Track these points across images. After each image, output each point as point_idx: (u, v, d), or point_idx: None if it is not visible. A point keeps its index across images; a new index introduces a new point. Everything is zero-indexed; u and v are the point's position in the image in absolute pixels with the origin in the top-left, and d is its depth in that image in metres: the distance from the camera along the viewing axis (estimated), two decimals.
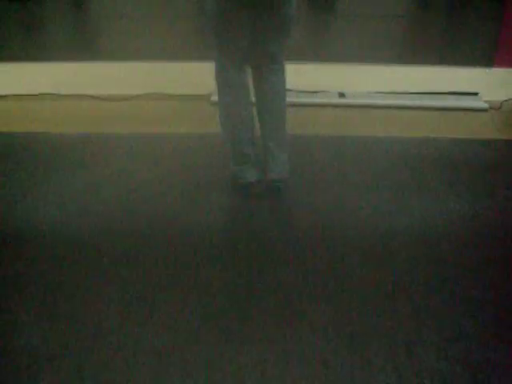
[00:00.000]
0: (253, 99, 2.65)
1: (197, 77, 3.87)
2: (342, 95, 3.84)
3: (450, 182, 2.87)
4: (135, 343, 1.91)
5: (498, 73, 3.84)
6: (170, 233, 2.49)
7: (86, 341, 1.92)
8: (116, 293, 2.14)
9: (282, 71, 2.63)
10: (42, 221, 2.57)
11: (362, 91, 3.89)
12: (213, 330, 1.97)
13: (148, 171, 2.96)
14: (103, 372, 1.81)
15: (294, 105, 3.47)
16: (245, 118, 2.60)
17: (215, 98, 3.73)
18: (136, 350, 1.88)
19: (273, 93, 2.61)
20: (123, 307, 2.07)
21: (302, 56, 3.79)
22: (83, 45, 4.98)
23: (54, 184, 2.84)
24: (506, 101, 3.82)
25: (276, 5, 2.33)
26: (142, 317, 2.02)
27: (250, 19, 2.37)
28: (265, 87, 2.61)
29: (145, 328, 1.97)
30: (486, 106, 3.74)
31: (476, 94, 3.85)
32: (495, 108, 3.75)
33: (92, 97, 3.85)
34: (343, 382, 1.78)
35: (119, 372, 1.81)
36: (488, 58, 3.88)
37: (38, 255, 2.35)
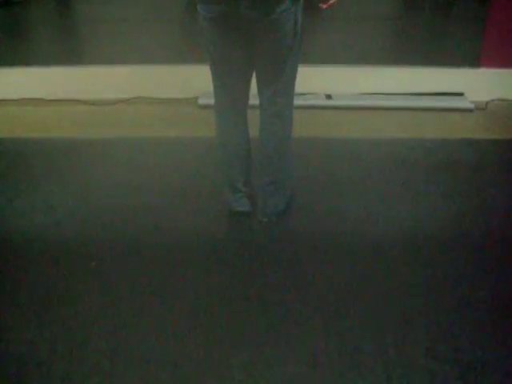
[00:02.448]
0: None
1: (184, 80, 3.87)
2: (328, 97, 3.85)
3: (437, 181, 2.88)
4: (124, 348, 1.90)
5: (483, 73, 3.86)
6: (159, 237, 2.48)
7: (75, 347, 1.91)
8: (105, 298, 2.13)
9: (282, 119, 2.39)
10: (30, 227, 2.56)
11: (349, 93, 3.90)
12: (202, 332, 1.97)
13: (136, 175, 2.95)
14: (92, 378, 1.80)
15: None
16: (238, 150, 2.48)
17: (203, 101, 3.75)
18: (125, 355, 1.88)
19: (265, 138, 2.44)
20: (112, 312, 2.06)
21: None
22: (70, 49, 4.96)
23: (42, 189, 2.83)
24: (491, 101, 3.85)
25: (268, 43, 2.17)
26: (132, 322, 2.01)
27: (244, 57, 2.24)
28: (261, 129, 2.44)
29: (134, 333, 1.97)
30: (471, 106, 3.77)
31: (461, 94, 3.88)
32: (481, 108, 3.78)
33: (79, 101, 3.84)
34: (333, 382, 1.78)
35: (108, 377, 1.80)
36: (473, 58, 3.91)
37: (26, 261, 2.33)
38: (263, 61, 2.25)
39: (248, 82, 2.36)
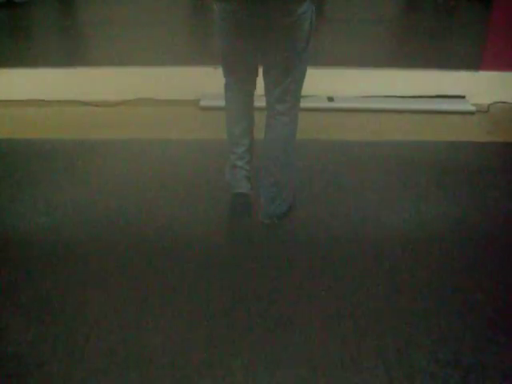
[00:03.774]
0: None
1: (186, 82, 3.87)
2: (330, 99, 3.85)
3: (438, 184, 2.88)
4: (125, 349, 1.90)
5: (484, 76, 3.86)
6: (161, 238, 2.48)
7: (76, 347, 1.91)
8: (105, 299, 2.12)
9: (290, 118, 2.42)
10: (31, 227, 2.56)
11: (351, 95, 3.90)
12: (203, 334, 1.96)
13: (137, 177, 2.95)
14: (93, 378, 1.80)
15: None
16: (243, 125, 2.54)
17: (204, 103, 3.76)
18: (126, 356, 1.87)
19: (271, 138, 2.46)
20: (113, 313, 2.06)
21: None
22: (72, 50, 4.97)
23: (43, 190, 2.83)
24: (492, 104, 3.85)
25: (281, 39, 2.19)
26: (132, 322, 2.01)
27: (255, 52, 2.28)
28: (268, 129, 2.47)
29: (134, 333, 1.97)
30: (473, 108, 3.77)
31: (463, 97, 3.88)
32: (482, 111, 3.78)
33: (80, 102, 3.84)
34: None
35: (109, 378, 1.80)
36: (475, 61, 3.91)
37: (27, 262, 2.33)
38: (276, 60, 2.26)
39: (256, 73, 2.42)
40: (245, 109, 2.54)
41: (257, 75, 2.43)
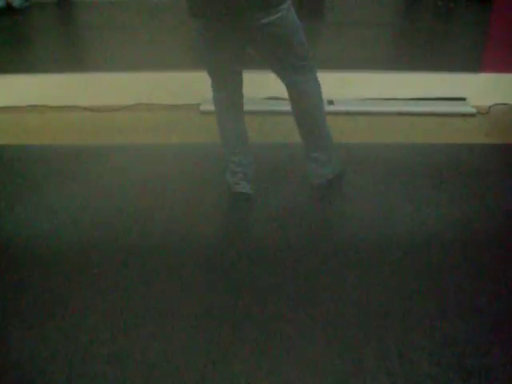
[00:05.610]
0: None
1: (186, 86, 3.87)
2: (330, 102, 3.85)
3: (439, 186, 2.88)
4: (126, 355, 1.90)
5: (485, 78, 3.86)
6: (161, 242, 2.48)
7: (77, 354, 1.90)
8: (106, 304, 2.12)
9: (308, 92, 2.57)
10: (32, 233, 2.56)
11: (351, 98, 3.90)
12: (204, 338, 1.96)
13: (138, 182, 2.95)
14: None
15: (282, 113, 3.47)
16: (236, 132, 2.67)
17: (204, 107, 3.75)
18: (127, 362, 1.87)
19: (295, 104, 2.61)
20: (114, 319, 2.05)
21: None
22: (71, 56, 4.98)
23: (43, 196, 2.83)
24: (493, 106, 3.84)
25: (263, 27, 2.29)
26: (133, 328, 2.01)
27: (239, 42, 2.39)
28: (292, 106, 2.62)
29: (136, 339, 1.96)
30: (473, 110, 3.76)
31: (463, 99, 3.87)
32: (483, 113, 3.77)
33: (81, 108, 3.84)
34: None
35: None
36: (475, 63, 3.91)
37: (28, 267, 2.33)
38: (269, 55, 2.43)
39: (241, 79, 2.57)
40: (236, 119, 2.65)
41: (242, 82, 2.57)
